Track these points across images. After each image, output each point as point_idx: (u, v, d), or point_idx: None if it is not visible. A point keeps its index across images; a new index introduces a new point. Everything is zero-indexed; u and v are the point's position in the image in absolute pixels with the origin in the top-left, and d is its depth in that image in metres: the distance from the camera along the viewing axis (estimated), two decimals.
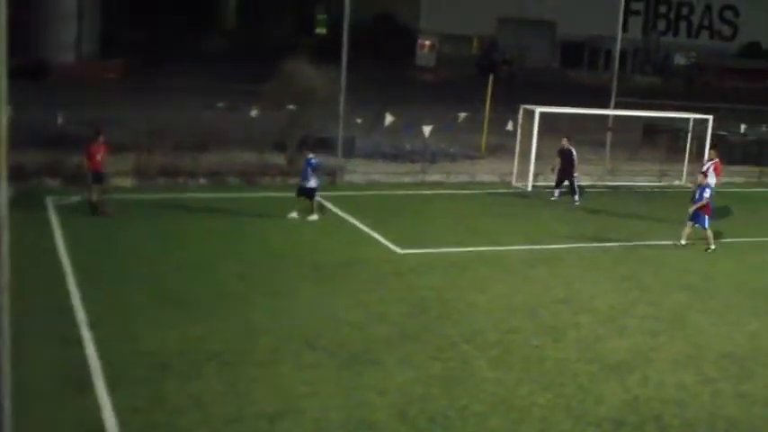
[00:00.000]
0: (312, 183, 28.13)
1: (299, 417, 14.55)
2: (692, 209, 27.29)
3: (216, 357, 16.69)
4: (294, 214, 28.13)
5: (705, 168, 31.22)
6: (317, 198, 28.45)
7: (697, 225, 27.37)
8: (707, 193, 27.24)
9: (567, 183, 34.83)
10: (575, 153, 34.66)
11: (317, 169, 28.22)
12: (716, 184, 30.99)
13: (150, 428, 13.80)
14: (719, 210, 31.28)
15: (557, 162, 35.03)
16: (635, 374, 17.39)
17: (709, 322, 20.76)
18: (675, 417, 15.61)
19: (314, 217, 28.11)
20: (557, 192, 34.95)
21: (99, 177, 27.60)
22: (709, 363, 18.30)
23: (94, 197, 27.53)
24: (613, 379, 17.15)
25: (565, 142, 34.79)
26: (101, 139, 28.07)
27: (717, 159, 32.05)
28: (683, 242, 27.36)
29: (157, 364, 16.16)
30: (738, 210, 33.55)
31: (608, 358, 18.18)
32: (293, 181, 32.87)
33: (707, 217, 27.26)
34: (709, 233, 27.37)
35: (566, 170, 34.58)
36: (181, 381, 15.56)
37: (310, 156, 28.44)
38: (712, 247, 27.27)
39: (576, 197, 34.38)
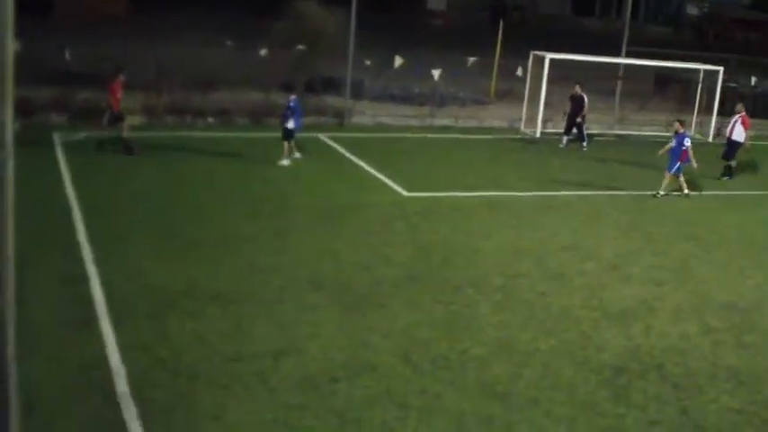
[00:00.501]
0: (290, 124, 27.75)
1: (301, 356, 14.60)
2: (662, 152, 27.49)
3: (220, 296, 16.73)
4: (298, 154, 27.97)
5: (732, 121, 31.18)
6: (291, 142, 28.01)
7: (672, 173, 27.53)
8: (687, 142, 27.12)
9: (575, 130, 34.79)
10: (586, 100, 34.63)
11: (295, 111, 27.84)
12: (744, 138, 30.96)
13: (154, 365, 13.84)
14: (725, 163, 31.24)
15: (568, 106, 35.00)
16: (638, 323, 17.42)
17: (713, 273, 20.77)
18: (677, 365, 15.64)
19: (284, 162, 27.55)
20: (565, 138, 34.92)
21: (119, 116, 27.73)
22: (712, 313, 18.31)
23: (125, 134, 27.71)
24: (616, 327, 17.18)
25: (578, 88, 34.75)
26: (121, 77, 28.04)
27: (744, 113, 31.81)
28: (662, 192, 27.27)
29: (162, 302, 16.20)
30: (745, 163, 33.41)
31: (612, 306, 18.20)
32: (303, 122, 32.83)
33: (680, 164, 27.21)
34: (682, 180, 27.43)
35: (575, 116, 34.54)
36: (185, 319, 15.60)
37: (291, 97, 28.15)
38: (686, 192, 27.58)
39: (584, 143, 34.40)
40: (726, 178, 31.04)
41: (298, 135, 28.01)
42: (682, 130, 27.56)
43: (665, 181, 27.40)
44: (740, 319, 18.21)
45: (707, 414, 14.06)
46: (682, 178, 27.45)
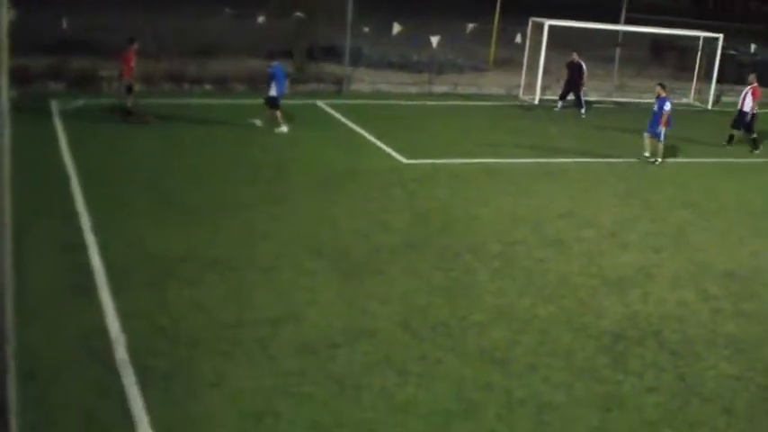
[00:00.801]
0: (272, 91, 27.56)
1: (300, 323, 14.63)
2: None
3: (219, 263, 16.74)
4: (258, 121, 27.81)
5: (744, 92, 31.08)
6: (277, 111, 27.80)
7: (654, 136, 27.53)
8: (667, 107, 27.01)
9: (572, 96, 34.81)
10: (584, 67, 34.66)
11: (275, 78, 27.56)
12: (752, 108, 30.87)
13: (153, 332, 13.87)
14: (726, 129, 31.19)
15: (565, 74, 35.10)
16: (636, 290, 17.45)
17: (711, 240, 20.78)
18: (675, 332, 15.68)
19: (282, 129, 27.47)
20: (560, 103, 34.99)
21: (128, 85, 27.90)
22: (711, 281, 18.34)
23: (129, 102, 27.81)
24: (614, 294, 17.21)
25: (575, 56, 34.76)
26: (135, 46, 28.10)
27: (756, 83, 31.67)
28: (647, 154, 27.25)
29: (161, 270, 16.21)
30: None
31: (609, 273, 18.23)
32: (301, 88, 32.82)
33: (663, 129, 27.15)
34: (661, 147, 27.48)
35: (572, 83, 34.58)
36: (184, 286, 15.62)
37: (272, 64, 27.96)
38: (659, 160, 27.40)
39: (582, 110, 34.42)
40: (752, 149, 30.86)
41: (295, 102, 27.93)
42: (663, 94, 27.40)
43: (647, 142, 27.37)
44: (739, 286, 18.24)
45: (705, 381, 14.10)
46: (661, 145, 27.32)
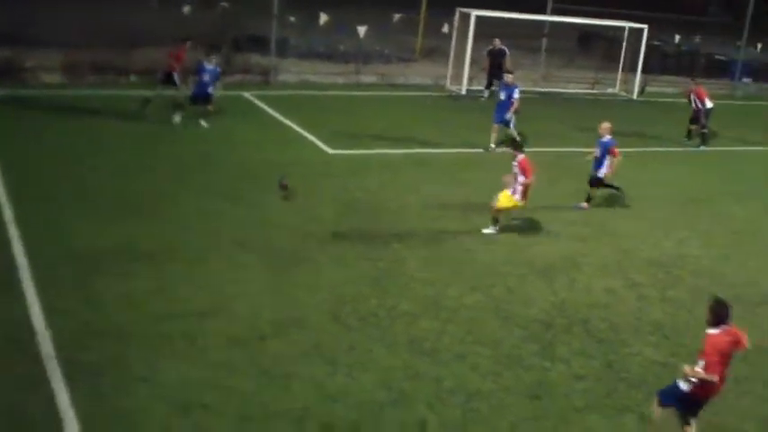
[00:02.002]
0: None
1: (229, 315, 14.56)
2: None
3: (146, 257, 16.59)
4: (177, 118, 27.34)
5: (694, 96, 31.22)
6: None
7: (503, 124, 27.12)
8: (516, 94, 26.84)
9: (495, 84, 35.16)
10: (507, 52, 35.07)
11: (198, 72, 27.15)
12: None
13: (80, 328, 13.70)
14: (651, 119, 31.52)
15: (486, 62, 35.36)
16: (563, 278, 17.61)
17: (637, 229, 21.01)
18: (602, 320, 15.86)
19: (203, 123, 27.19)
20: (486, 92, 35.23)
21: (172, 79, 28.07)
22: (637, 268, 18.56)
23: (153, 95, 28.07)
24: (542, 282, 17.35)
25: (497, 42, 35.08)
26: (188, 45, 28.67)
27: (697, 86, 31.89)
28: (492, 146, 27.10)
29: (87, 264, 16.02)
30: (670, 120, 33.80)
31: (537, 262, 18.37)
32: (227, 80, 32.52)
33: (513, 117, 26.96)
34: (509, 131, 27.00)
35: (498, 69, 34.86)
36: (111, 280, 15.45)
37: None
38: (493, 146, 26.98)
39: (485, 92, 35.07)
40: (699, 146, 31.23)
41: (221, 93, 27.74)
42: (510, 81, 27.14)
43: (494, 134, 27.20)
44: (664, 274, 18.48)
45: (631, 367, 14.29)
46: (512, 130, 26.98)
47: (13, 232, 17.17)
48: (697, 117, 31.07)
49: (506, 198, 19.62)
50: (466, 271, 17.47)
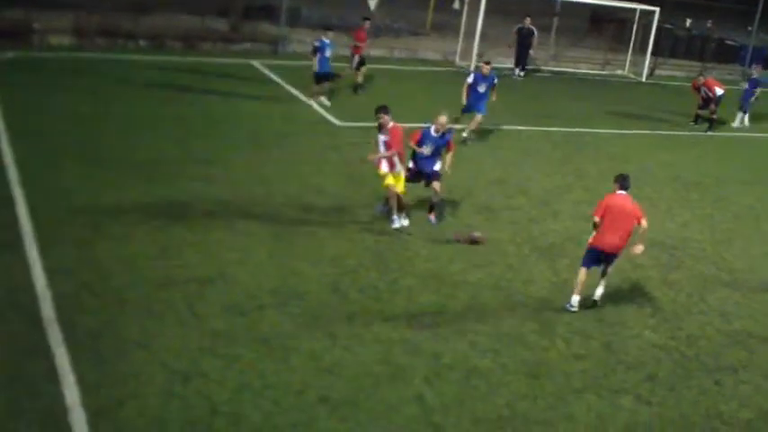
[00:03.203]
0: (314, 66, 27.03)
1: (229, 283, 14.58)
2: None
3: (149, 221, 16.60)
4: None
5: (704, 88, 31.10)
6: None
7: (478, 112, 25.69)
8: (495, 80, 26.23)
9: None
10: (536, 33, 35.37)
11: (319, 51, 26.89)
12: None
13: (80, 289, 13.73)
14: (659, 102, 31.42)
15: (513, 39, 35.56)
16: (565, 258, 17.58)
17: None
18: (602, 301, 15.83)
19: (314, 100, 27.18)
20: (516, 70, 35.53)
21: (363, 61, 29.46)
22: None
23: (360, 79, 29.33)
24: (543, 261, 17.35)
25: (527, 21, 35.43)
26: (366, 24, 29.94)
27: (707, 78, 31.92)
28: (464, 134, 25.32)
29: (90, 226, 16.04)
30: (679, 103, 33.70)
31: (539, 241, 18.36)
32: (236, 48, 32.53)
33: (485, 102, 25.73)
34: (479, 118, 25.64)
35: (526, 48, 35.31)
36: (113, 243, 15.47)
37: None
38: (464, 135, 25.37)
39: (522, 72, 35.19)
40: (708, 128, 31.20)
41: (229, 61, 27.65)
42: (488, 71, 25.50)
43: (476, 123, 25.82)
44: (667, 257, 18.47)
45: (630, 348, 14.30)
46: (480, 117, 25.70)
47: (18, 192, 17.17)
48: (707, 103, 30.99)
49: (393, 178, 17.84)
50: (468, 248, 17.45)
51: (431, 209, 18.50)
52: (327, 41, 26.82)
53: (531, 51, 36.63)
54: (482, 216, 19.28)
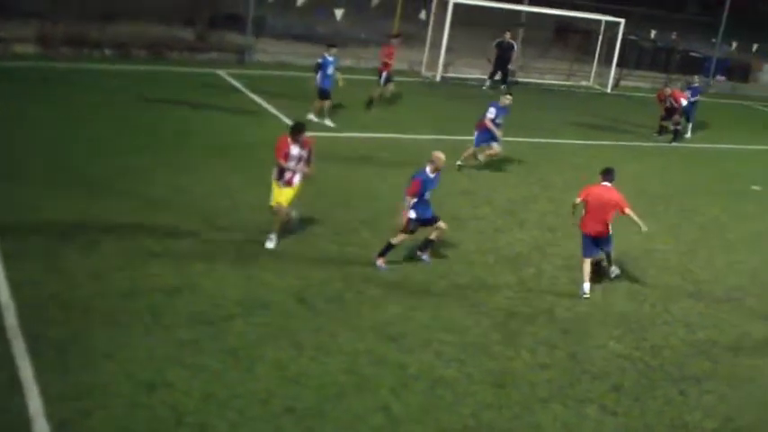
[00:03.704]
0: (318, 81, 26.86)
1: (195, 293, 14.54)
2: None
3: (115, 231, 16.53)
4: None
5: (670, 99, 31.34)
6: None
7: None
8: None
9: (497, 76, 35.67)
10: (516, 47, 35.71)
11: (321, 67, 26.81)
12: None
13: (45, 300, 13.64)
14: (624, 113, 31.59)
15: (492, 53, 35.84)
16: (530, 267, 17.69)
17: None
18: (567, 310, 15.96)
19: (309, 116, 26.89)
20: (488, 82, 35.63)
21: (390, 77, 29.93)
22: (604, 260, 18.64)
23: (377, 93, 29.69)
24: (509, 271, 17.42)
25: (507, 36, 35.77)
26: (394, 42, 30.43)
27: (673, 89, 32.21)
28: (459, 162, 24.23)
29: (55, 236, 15.93)
30: (644, 115, 33.92)
31: (505, 250, 18.44)
32: (201, 57, 32.48)
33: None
34: (497, 148, 24.51)
35: (505, 62, 35.58)
36: (79, 253, 15.39)
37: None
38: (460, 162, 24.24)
39: (504, 87, 35.43)
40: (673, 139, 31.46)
41: (195, 71, 27.58)
42: (508, 101, 24.71)
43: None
44: (631, 266, 18.59)
45: (595, 359, 14.38)
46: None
47: None
48: (670, 113, 31.23)
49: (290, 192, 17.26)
50: (433, 258, 17.49)
51: (427, 246, 17.53)
52: (330, 58, 26.66)
53: (510, 66, 36.89)
54: (450, 225, 19.28)
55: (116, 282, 14.56)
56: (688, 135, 32.67)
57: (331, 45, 27.25)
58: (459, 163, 23.77)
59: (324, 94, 26.77)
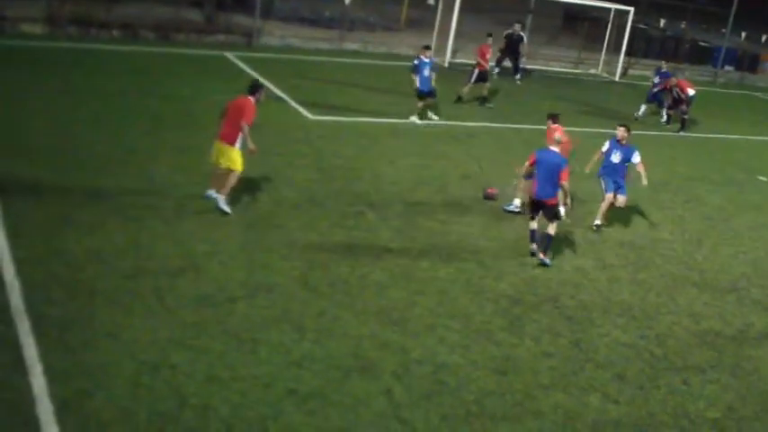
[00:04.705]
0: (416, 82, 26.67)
1: (199, 274, 14.52)
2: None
3: (119, 211, 16.50)
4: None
5: (676, 88, 31.32)
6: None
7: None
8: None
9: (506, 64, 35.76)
10: (525, 39, 35.74)
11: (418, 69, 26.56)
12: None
13: (48, 280, 13.63)
14: (632, 102, 31.51)
15: (504, 45, 35.99)
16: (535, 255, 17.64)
17: (611, 210, 21.02)
18: (571, 298, 15.91)
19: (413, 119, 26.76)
20: (496, 68, 35.60)
21: (485, 76, 30.30)
22: (609, 250, 18.64)
23: (465, 91, 30.05)
24: (514, 258, 17.37)
25: (517, 27, 35.78)
26: (490, 40, 30.64)
27: (678, 78, 32.17)
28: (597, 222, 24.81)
29: (59, 216, 15.92)
30: (651, 103, 33.82)
31: (510, 238, 18.38)
32: (209, 39, 32.44)
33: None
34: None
35: (510, 52, 35.64)
36: (82, 234, 15.37)
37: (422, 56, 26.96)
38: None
39: (518, 76, 35.37)
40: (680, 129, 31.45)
41: (203, 53, 27.52)
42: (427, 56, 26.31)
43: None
44: (635, 256, 18.56)
45: (599, 347, 14.34)
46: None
47: None
48: (677, 103, 31.19)
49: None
50: (439, 243, 17.47)
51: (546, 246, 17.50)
52: (426, 60, 26.50)
53: (522, 57, 36.85)
54: (455, 211, 19.30)
55: (120, 262, 14.54)
56: (664, 120, 32.38)
57: (426, 47, 27.22)
58: (597, 223, 19.88)
59: (422, 94, 26.60)
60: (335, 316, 13.93)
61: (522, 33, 36.15)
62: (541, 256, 17.20)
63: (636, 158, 19.96)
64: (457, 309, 14.84)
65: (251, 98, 17.65)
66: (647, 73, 41.99)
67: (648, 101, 32.59)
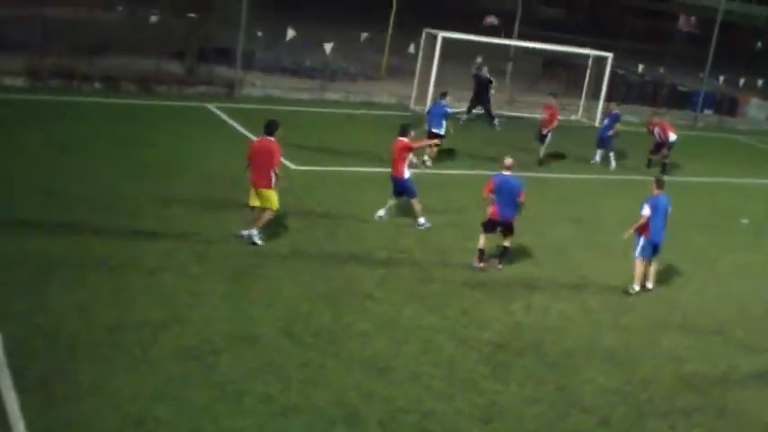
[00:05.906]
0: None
1: (183, 327, 14.49)
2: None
3: (101, 263, 16.48)
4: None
5: (657, 129, 31.51)
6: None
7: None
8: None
9: (479, 110, 35.62)
10: (494, 82, 35.75)
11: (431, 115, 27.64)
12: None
13: (31, 333, 13.59)
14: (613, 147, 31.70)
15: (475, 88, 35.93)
16: (519, 301, 17.67)
17: (593, 255, 21.13)
18: (555, 344, 15.93)
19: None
20: (464, 116, 35.45)
21: (544, 137, 30.46)
22: (592, 294, 18.68)
23: (542, 152, 30.59)
24: (497, 305, 17.40)
25: (485, 70, 35.68)
26: (554, 102, 31.22)
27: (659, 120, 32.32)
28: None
29: (42, 269, 15.90)
30: (632, 148, 33.98)
31: (493, 284, 18.41)
32: (190, 91, 32.52)
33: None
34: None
35: (479, 98, 35.48)
36: (65, 286, 15.35)
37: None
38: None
39: (496, 121, 35.40)
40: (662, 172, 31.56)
41: (185, 104, 27.58)
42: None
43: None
44: (618, 299, 18.59)
45: (583, 393, 14.34)
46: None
47: None
48: (659, 147, 31.36)
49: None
50: (422, 291, 17.49)
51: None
52: (444, 103, 27.89)
53: (490, 99, 36.73)
54: (438, 258, 19.32)
55: (102, 315, 14.50)
56: (613, 166, 32.09)
57: (443, 93, 28.26)
58: (634, 287, 19.28)
59: (433, 136, 27.02)
60: (320, 366, 13.91)
61: (488, 75, 35.98)
62: (499, 266, 19.20)
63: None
64: (441, 357, 14.84)
65: (273, 139, 18.46)
66: (629, 118, 42.25)
67: (598, 145, 32.25)
